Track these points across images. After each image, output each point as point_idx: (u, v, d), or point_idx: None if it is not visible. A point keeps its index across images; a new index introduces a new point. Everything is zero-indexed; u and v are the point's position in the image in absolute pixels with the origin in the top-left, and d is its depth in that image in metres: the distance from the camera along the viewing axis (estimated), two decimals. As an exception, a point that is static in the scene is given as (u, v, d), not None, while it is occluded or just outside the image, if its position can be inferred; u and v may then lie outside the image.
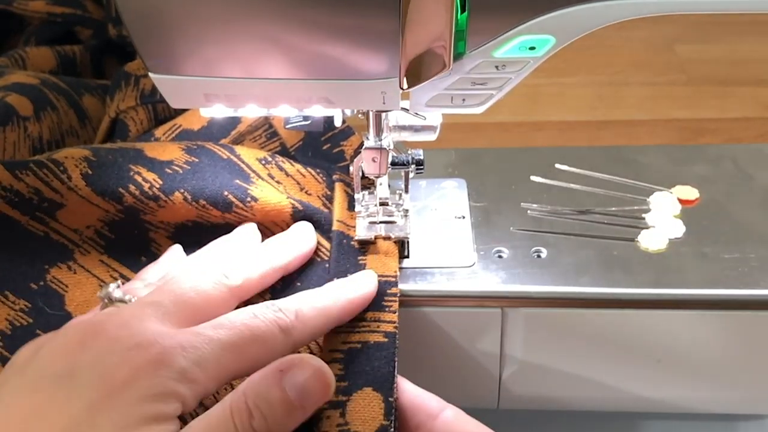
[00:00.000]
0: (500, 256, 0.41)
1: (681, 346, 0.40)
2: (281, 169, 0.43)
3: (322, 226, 0.42)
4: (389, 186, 0.42)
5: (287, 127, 0.39)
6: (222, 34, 0.30)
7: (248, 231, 0.40)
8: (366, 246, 0.40)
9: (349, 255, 0.40)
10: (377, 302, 0.38)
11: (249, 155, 0.43)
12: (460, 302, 0.39)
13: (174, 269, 0.38)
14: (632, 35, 0.81)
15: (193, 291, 0.33)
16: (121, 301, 0.34)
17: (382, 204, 0.41)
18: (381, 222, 0.41)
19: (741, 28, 0.81)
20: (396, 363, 0.36)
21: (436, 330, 0.40)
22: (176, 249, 0.40)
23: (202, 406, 0.32)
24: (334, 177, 0.45)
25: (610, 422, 0.47)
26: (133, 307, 0.32)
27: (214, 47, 0.31)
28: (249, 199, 0.40)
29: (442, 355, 0.41)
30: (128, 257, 0.39)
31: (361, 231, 0.41)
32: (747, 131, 0.69)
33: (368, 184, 0.42)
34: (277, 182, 0.43)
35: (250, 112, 0.35)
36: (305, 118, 0.39)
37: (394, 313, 0.37)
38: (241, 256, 0.37)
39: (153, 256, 0.40)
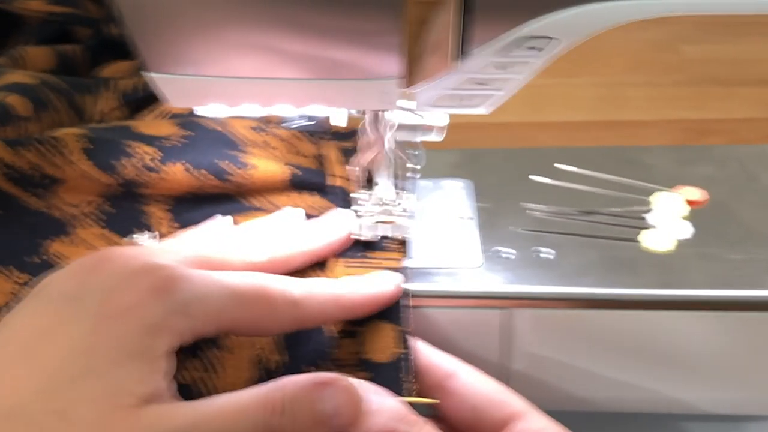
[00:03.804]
0: (505, 257, 0.41)
1: (686, 347, 0.40)
2: (275, 134, 0.45)
3: (319, 186, 0.43)
4: (393, 186, 0.42)
5: (292, 127, 0.40)
6: (222, 34, 0.30)
7: (290, 214, 0.40)
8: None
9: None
10: (377, 245, 0.40)
11: (240, 125, 0.44)
12: (465, 303, 0.39)
13: (205, 237, 0.38)
14: (636, 35, 0.81)
15: (214, 254, 0.34)
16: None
17: (384, 204, 0.41)
18: (384, 222, 0.41)
19: (746, 28, 0.81)
20: (406, 296, 0.37)
21: (441, 330, 0.40)
22: (222, 218, 0.40)
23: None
24: (324, 137, 0.46)
25: (614, 423, 0.47)
26: (150, 247, 0.33)
27: (213, 46, 0.31)
28: (245, 167, 0.41)
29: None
30: (128, 231, 0.40)
31: (364, 231, 0.40)
32: (752, 132, 0.68)
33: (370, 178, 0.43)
34: (273, 148, 0.44)
35: (250, 112, 0.35)
36: (310, 118, 0.39)
37: (400, 252, 0.40)
38: (271, 237, 0.37)
39: (151, 229, 0.40)
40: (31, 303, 0.30)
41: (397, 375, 0.35)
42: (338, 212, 0.41)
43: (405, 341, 0.36)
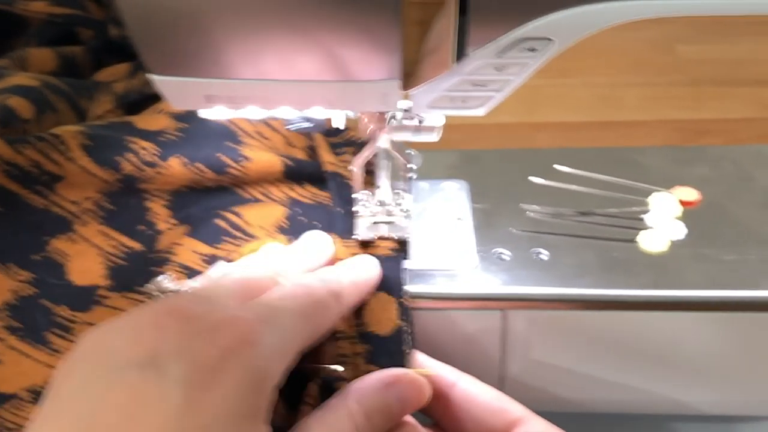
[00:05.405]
0: (501, 258, 0.41)
1: (681, 348, 0.40)
2: (268, 125, 0.45)
3: (312, 175, 0.44)
4: (390, 187, 0.42)
5: (291, 129, 0.40)
6: (223, 36, 0.30)
7: (314, 239, 0.39)
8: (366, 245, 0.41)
9: (349, 191, 0.43)
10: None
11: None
12: (462, 304, 0.39)
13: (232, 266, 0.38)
14: (633, 36, 0.81)
15: (245, 278, 0.33)
16: (173, 292, 0.35)
17: (382, 204, 0.42)
18: (382, 222, 0.41)
19: (742, 28, 0.81)
20: (405, 273, 0.39)
21: (438, 332, 0.40)
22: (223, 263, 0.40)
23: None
24: (312, 131, 0.47)
25: (610, 423, 0.47)
26: (194, 288, 0.32)
27: (215, 49, 0.31)
28: (242, 159, 0.42)
29: (443, 356, 0.41)
30: (127, 227, 0.40)
31: (362, 231, 0.41)
32: (748, 132, 0.69)
33: (369, 183, 0.43)
34: (266, 138, 0.45)
35: (251, 114, 0.35)
36: (307, 119, 0.39)
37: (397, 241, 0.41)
38: (295, 260, 0.37)
39: (151, 225, 0.40)
40: (97, 373, 0.26)
41: (399, 347, 0.36)
42: (366, 257, 0.39)
43: (405, 313, 0.37)
